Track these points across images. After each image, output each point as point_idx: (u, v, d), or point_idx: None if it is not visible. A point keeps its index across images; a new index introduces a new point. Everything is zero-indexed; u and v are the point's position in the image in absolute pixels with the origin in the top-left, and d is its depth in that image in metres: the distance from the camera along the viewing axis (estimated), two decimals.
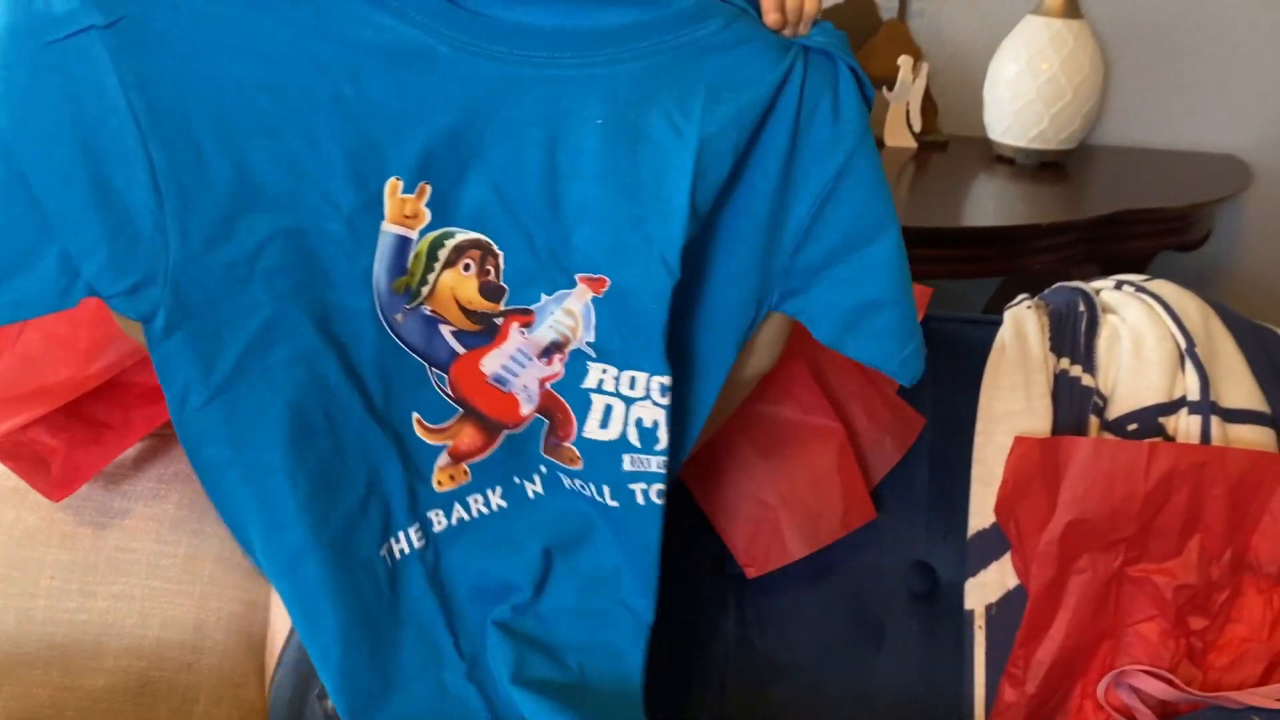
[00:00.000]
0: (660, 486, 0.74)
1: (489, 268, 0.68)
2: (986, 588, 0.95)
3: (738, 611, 0.98)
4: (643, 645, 0.77)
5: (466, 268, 0.68)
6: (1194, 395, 0.95)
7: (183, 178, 0.62)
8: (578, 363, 0.72)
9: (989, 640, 0.94)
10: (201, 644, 0.87)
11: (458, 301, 0.69)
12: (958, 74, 1.91)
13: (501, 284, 0.69)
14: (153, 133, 0.60)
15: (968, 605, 0.95)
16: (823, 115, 0.69)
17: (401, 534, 0.73)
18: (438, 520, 0.74)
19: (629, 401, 0.72)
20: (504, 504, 0.76)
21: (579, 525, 0.77)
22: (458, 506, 0.75)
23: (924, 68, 1.83)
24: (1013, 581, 0.94)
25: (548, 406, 0.73)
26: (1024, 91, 1.73)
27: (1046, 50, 1.71)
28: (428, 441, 0.73)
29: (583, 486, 0.75)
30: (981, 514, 0.96)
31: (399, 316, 0.68)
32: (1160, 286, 1.03)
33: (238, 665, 0.84)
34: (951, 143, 1.89)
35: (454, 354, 0.71)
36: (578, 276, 0.69)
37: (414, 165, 0.65)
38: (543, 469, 0.76)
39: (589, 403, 0.72)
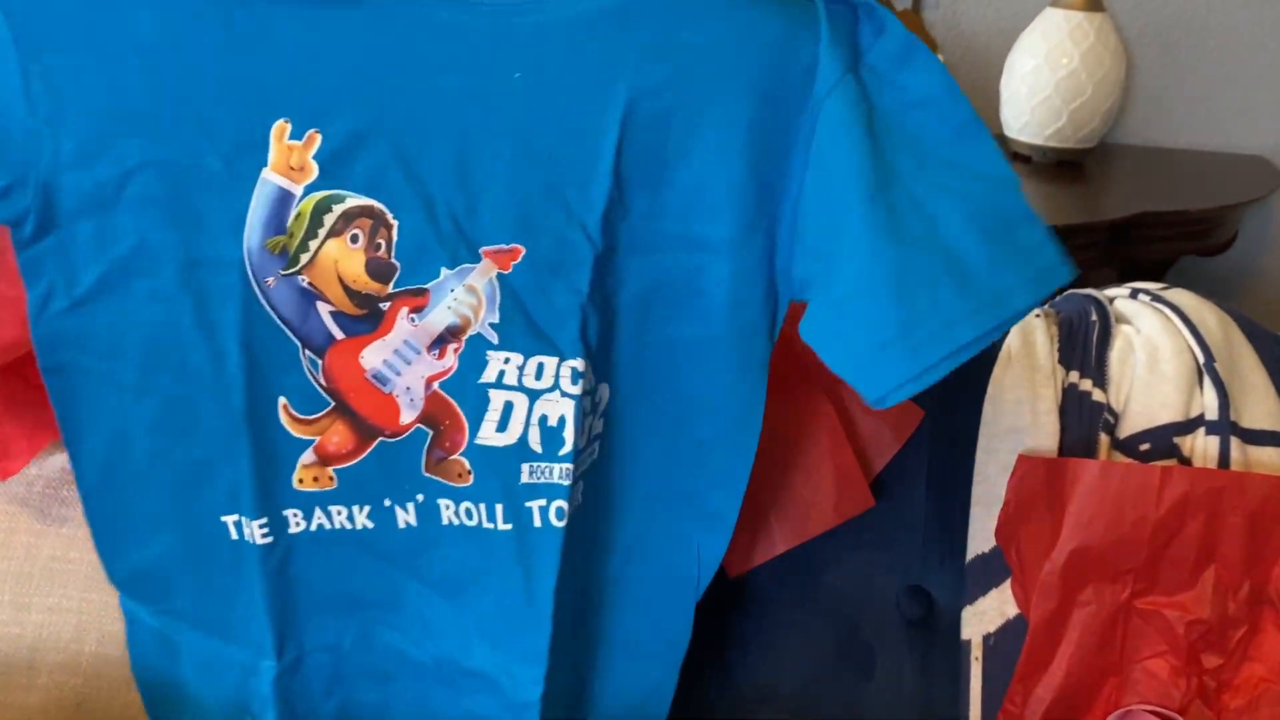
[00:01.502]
0: (562, 504, 0.66)
1: (380, 241, 0.62)
2: (985, 616, 0.89)
3: (720, 634, 0.93)
4: None
5: (354, 239, 0.62)
6: (1212, 414, 0.88)
7: (56, 85, 0.58)
8: (475, 353, 0.65)
9: (986, 672, 0.88)
10: None
11: (340, 278, 0.63)
12: (973, 67, 1.84)
13: (393, 261, 0.62)
14: (26, 35, 0.57)
15: (964, 634, 0.90)
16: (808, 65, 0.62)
17: (246, 521, 0.67)
18: (295, 521, 0.68)
19: (533, 396, 0.65)
20: (370, 524, 0.69)
21: (455, 567, 0.70)
22: (319, 511, 0.68)
23: (939, 60, 1.77)
24: (1013, 610, 0.88)
25: (433, 413, 0.66)
26: (1042, 87, 1.67)
27: (1066, 44, 1.64)
28: (292, 432, 0.66)
29: (469, 513, 0.68)
30: (981, 537, 0.90)
31: (271, 280, 0.62)
32: (1178, 296, 0.97)
33: None
34: None
35: (331, 338, 0.64)
36: (483, 250, 0.63)
37: (305, 108, 0.59)
38: (420, 496, 0.68)
39: (486, 401, 0.65)
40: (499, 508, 0.67)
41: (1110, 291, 1.02)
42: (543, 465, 0.66)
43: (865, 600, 0.93)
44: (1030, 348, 0.95)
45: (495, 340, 0.64)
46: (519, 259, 0.63)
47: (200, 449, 0.66)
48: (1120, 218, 1.53)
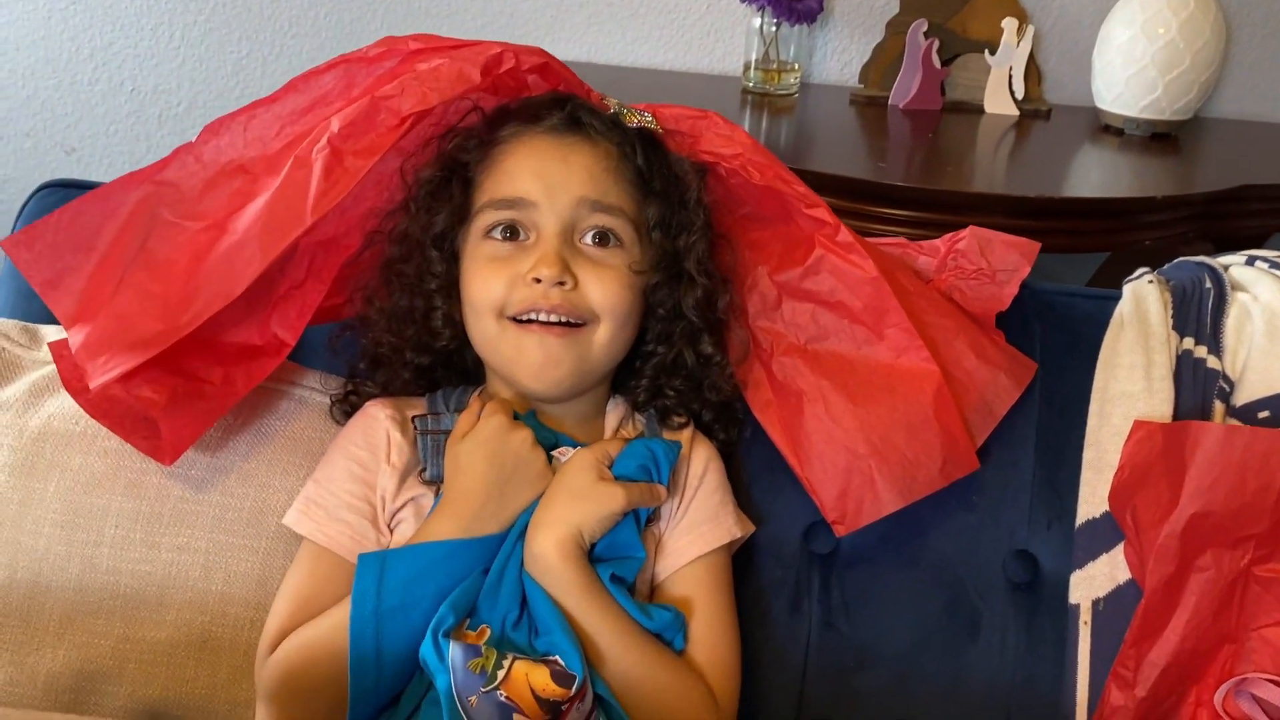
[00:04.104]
0: None
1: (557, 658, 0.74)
2: (1094, 581, 0.88)
3: (823, 593, 0.93)
4: None
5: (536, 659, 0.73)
6: None
7: None
8: None
9: (1095, 637, 0.88)
10: (265, 601, 0.84)
11: (532, 689, 0.72)
12: (1065, 38, 1.82)
13: (570, 671, 0.73)
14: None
15: (1073, 599, 0.89)
16: None
17: None
18: None
19: None
20: None
21: None
22: None
23: (1029, 31, 1.74)
24: (1124, 576, 0.87)
25: None
26: (1137, 58, 1.63)
27: (1164, 13, 1.61)
28: None
29: None
30: (1092, 502, 0.90)
31: (474, 699, 0.70)
32: None
33: None
34: (1055, 111, 1.79)
35: None
36: None
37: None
38: None
39: None
40: None
41: (1225, 259, 1.00)
42: None
43: (971, 563, 0.92)
44: (1143, 314, 0.94)
45: None
46: None
47: None
48: (1219, 190, 1.50)
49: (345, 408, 0.91)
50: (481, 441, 0.80)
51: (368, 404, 0.87)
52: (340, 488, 0.82)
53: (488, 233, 0.84)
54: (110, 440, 0.84)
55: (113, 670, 0.82)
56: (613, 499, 0.78)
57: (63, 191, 1.05)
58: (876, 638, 0.92)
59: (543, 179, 0.83)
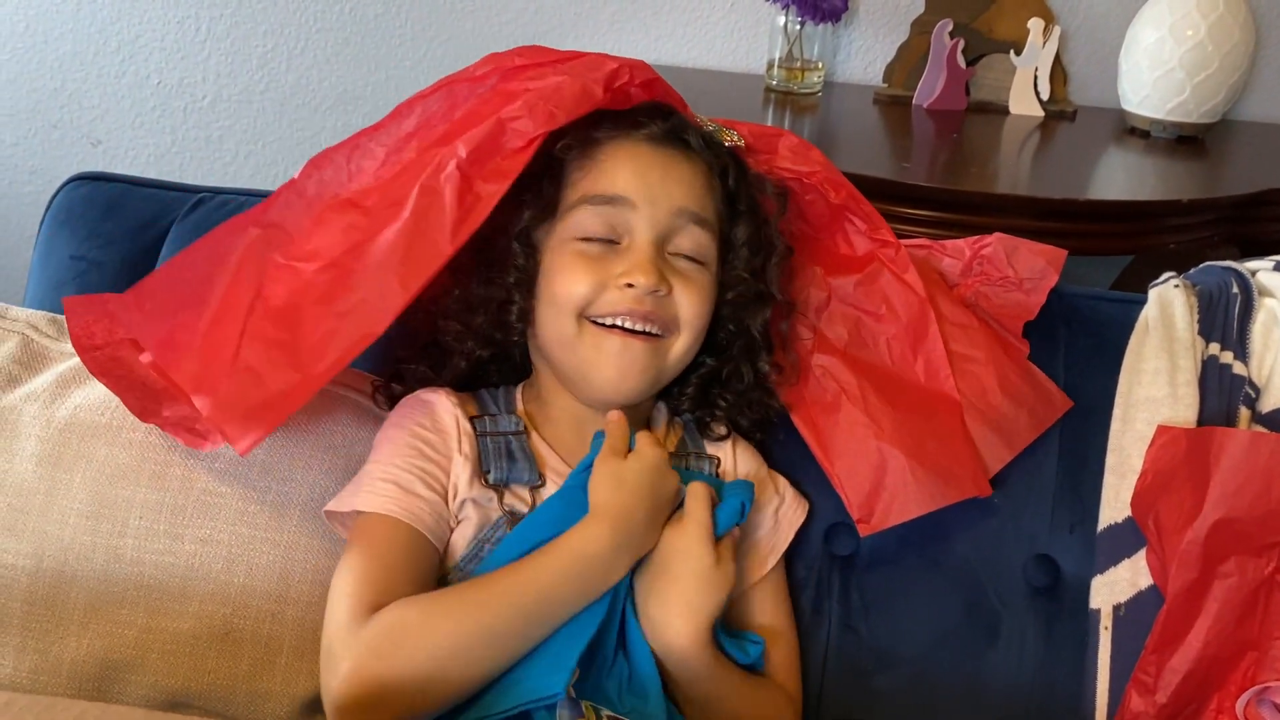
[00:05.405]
0: None
1: None
2: (1115, 586, 0.88)
3: (842, 594, 0.93)
4: None
5: None
6: None
7: None
8: None
9: (1115, 642, 0.87)
10: (286, 594, 0.84)
11: None
12: (1091, 39, 1.80)
13: None
14: None
15: (1093, 604, 0.89)
16: None
17: None
18: None
19: None
20: None
21: None
22: None
23: (1055, 31, 1.73)
24: (1145, 581, 0.87)
25: None
26: (1165, 60, 1.62)
27: (1193, 15, 1.59)
28: None
29: None
30: (1114, 507, 0.89)
31: None
32: None
33: (322, 620, 0.81)
34: (1081, 113, 1.78)
35: None
36: None
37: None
38: None
39: None
40: None
41: (1252, 264, 0.99)
42: None
43: (992, 567, 0.92)
44: (1169, 319, 0.93)
45: None
46: None
47: None
48: (1245, 194, 1.48)
49: (389, 393, 0.90)
50: (649, 468, 0.78)
51: (421, 391, 0.86)
52: (411, 464, 0.80)
53: (580, 236, 0.83)
54: (135, 432, 0.85)
55: (136, 660, 0.83)
56: (730, 578, 0.77)
57: (92, 183, 1.06)
58: (896, 640, 0.92)
59: (644, 182, 0.82)
